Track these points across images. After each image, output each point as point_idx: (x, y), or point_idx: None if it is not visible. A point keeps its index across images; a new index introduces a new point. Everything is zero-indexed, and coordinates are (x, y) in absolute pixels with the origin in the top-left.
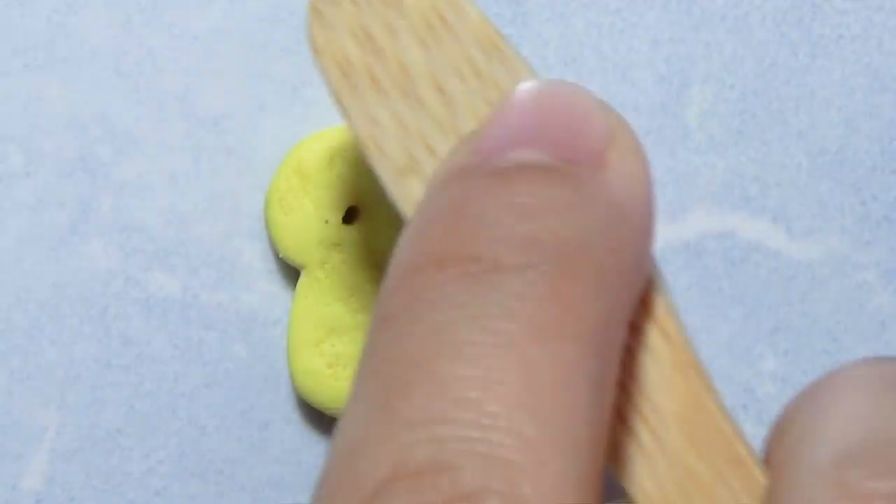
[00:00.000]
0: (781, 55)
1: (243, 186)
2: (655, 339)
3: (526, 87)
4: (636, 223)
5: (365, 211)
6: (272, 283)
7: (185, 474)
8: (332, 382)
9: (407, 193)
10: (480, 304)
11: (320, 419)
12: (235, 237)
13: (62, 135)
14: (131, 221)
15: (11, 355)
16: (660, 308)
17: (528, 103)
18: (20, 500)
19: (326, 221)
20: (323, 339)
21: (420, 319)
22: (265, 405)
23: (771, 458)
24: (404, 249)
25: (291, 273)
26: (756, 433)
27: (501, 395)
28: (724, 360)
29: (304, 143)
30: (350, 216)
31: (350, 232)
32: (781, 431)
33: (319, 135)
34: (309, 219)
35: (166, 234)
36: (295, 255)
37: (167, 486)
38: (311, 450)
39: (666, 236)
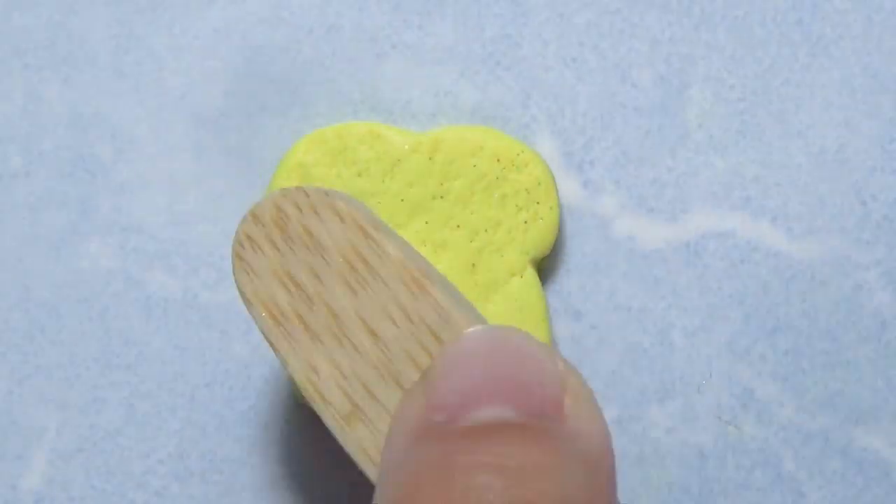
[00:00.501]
0: (781, 55)
1: (243, 186)
2: None
3: (471, 334)
4: (605, 470)
5: None
6: None
7: (185, 474)
8: None
9: (354, 439)
10: None
11: (320, 419)
12: None
13: (62, 135)
14: (131, 221)
15: (11, 355)
16: None
17: (478, 353)
18: (20, 500)
19: None
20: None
21: None
22: (265, 405)
23: None
24: None
25: None
26: (756, 433)
27: None
28: (724, 360)
29: (304, 143)
30: None
31: None
32: None
33: (319, 135)
34: None
35: (166, 234)
36: None
37: (167, 486)
38: (311, 450)
39: (666, 236)
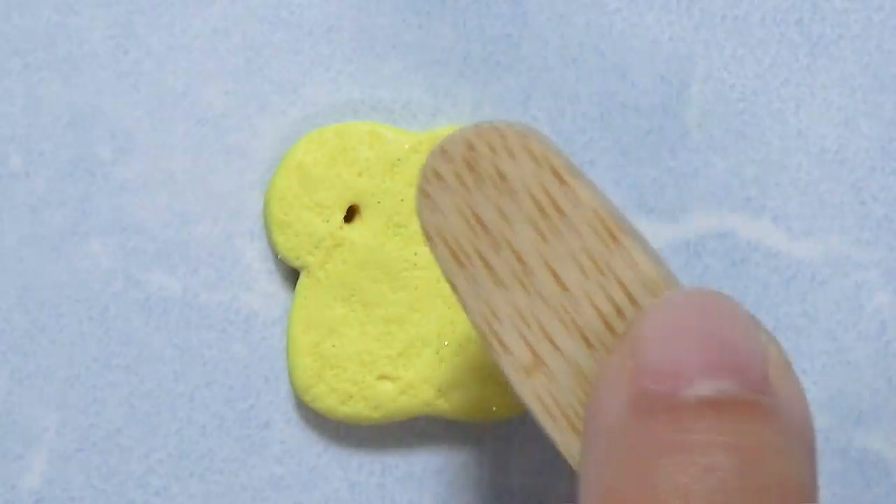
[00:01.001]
0: (781, 55)
1: (243, 186)
2: None
3: (678, 296)
4: (814, 445)
5: (365, 211)
6: (272, 283)
7: (185, 474)
8: (331, 384)
9: (532, 390)
10: None
11: (320, 419)
12: (235, 237)
13: (62, 135)
14: (131, 221)
15: (11, 355)
16: None
17: (690, 317)
18: (20, 500)
19: (326, 221)
20: (323, 339)
21: None
22: (265, 405)
23: None
24: (624, 489)
25: (291, 273)
26: None
27: None
28: None
29: (304, 143)
30: (350, 216)
31: (350, 232)
32: None
33: (319, 135)
34: (309, 219)
35: (166, 234)
36: (295, 256)
37: (167, 486)
38: (311, 450)
39: (666, 236)
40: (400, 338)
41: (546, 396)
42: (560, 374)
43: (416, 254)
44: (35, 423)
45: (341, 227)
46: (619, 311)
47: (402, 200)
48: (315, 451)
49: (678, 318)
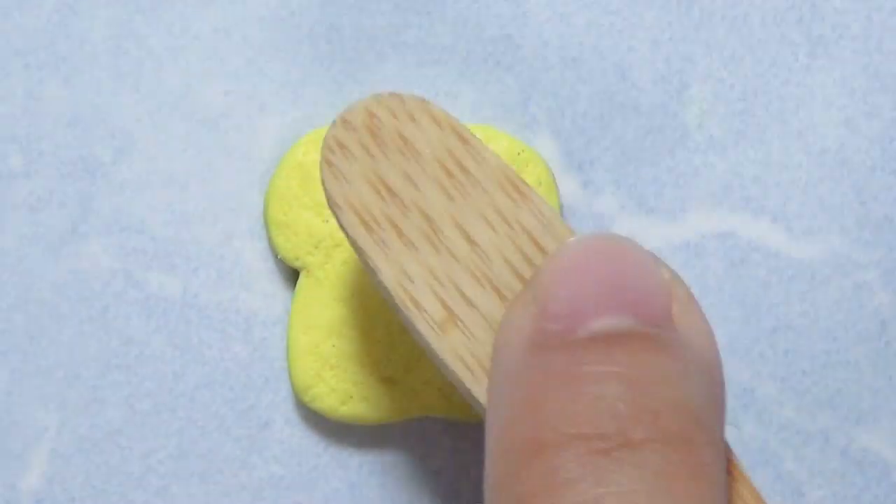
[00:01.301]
0: (781, 55)
1: (243, 186)
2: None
3: (578, 241)
4: (719, 379)
5: None
6: (272, 283)
7: (185, 474)
8: (331, 384)
9: (449, 346)
10: (625, 482)
11: (320, 419)
12: (235, 237)
13: (62, 135)
14: (131, 221)
15: (11, 355)
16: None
17: (588, 260)
18: (20, 500)
19: (326, 221)
20: (323, 339)
21: (564, 498)
22: (265, 405)
23: None
24: (517, 423)
25: (291, 273)
26: (756, 433)
27: None
28: (724, 360)
29: (304, 143)
30: None
31: None
32: None
33: (319, 134)
34: (309, 219)
35: (166, 234)
36: (294, 256)
37: (167, 486)
38: (311, 450)
39: (666, 236)
40: (400, 338)
41: (463, 350)
42: (475, 329)
43: None
44: (35, 423)
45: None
46: (530, 262)
47: None
48: (315, 451)
49: (578, 262)
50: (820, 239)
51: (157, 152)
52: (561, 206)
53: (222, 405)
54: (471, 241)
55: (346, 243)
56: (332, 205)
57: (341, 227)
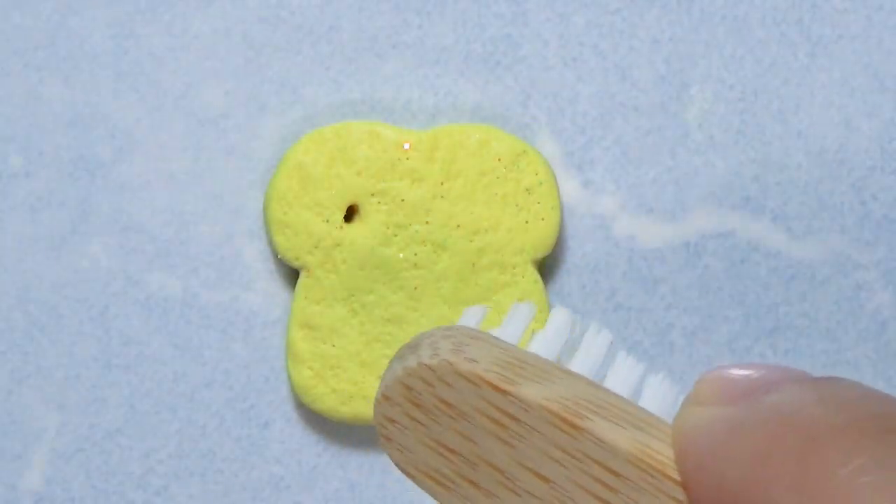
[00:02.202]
0: (781, 55)
1: (243, 186)
2: None
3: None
4: None
5: (364, 210)
6: (272, 283)
7: (185, 474)
8: (332, 384)
9: None
10: None
11: (320, 419)
12: (235, 237)
13: (62, 135)
14: (131, 221)
15: (11, 355)
16: None
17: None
18: (20, 500)
19: (326, 221)
20: (323, 339)
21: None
22: (265, 405)
23: None
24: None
25: (291, 273)
26: None
27: None
28: (725, 360)
29: (304, 143)
30: (350, 216)
31: (350, 232)
32: None
33: (319, 134)
34: (309, 219)
35: (166, 234)
36: (294, 256)
37: (167, 486)
38: (311, 450)
39: (666, 236)
40: (400, 338)
41: None
42: None
43: (416, 254)
44: (35, 423)
45: (341, 227)
46: (608, 486)
47: (403, 200)
48: (315, 451)
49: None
50: (820, 239)
51: (157, 152)
52: (561, 206)
53: (222, 405)
54: (545, 479)
55: (346, 243)
56: (406, 474)
57: (423, 490)
